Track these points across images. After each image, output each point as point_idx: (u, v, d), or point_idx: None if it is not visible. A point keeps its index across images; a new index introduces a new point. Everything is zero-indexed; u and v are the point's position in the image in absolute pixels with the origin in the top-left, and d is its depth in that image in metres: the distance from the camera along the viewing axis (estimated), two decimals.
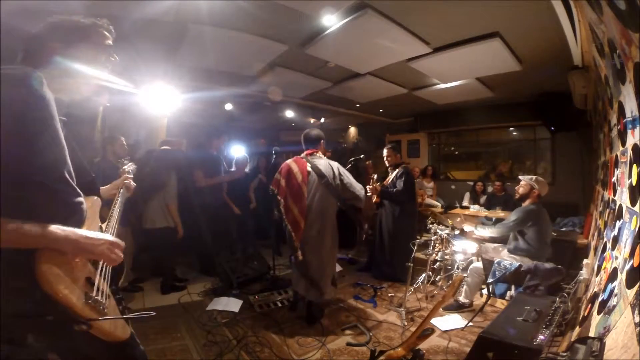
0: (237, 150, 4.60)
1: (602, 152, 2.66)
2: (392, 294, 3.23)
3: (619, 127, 1.75)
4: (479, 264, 2.95)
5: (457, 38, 3.15)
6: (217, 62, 3.70)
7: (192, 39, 3.03)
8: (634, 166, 1.41)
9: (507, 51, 3.26)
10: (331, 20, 2.77)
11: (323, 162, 2.73)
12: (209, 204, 3.68)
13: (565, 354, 1.43)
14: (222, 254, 3.64)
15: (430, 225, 3.52)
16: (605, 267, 1.75)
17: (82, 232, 0.85)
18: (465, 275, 2.98)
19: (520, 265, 2.66)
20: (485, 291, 2.89)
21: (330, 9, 2.59)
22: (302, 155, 2.82)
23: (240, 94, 4.91)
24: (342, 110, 6.37)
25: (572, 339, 1.67)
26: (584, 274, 2.41)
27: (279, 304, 3.03)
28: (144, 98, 4.13)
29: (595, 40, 2.00)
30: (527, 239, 2.91)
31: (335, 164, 2.75)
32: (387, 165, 3.98)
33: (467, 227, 3.29)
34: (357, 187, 2.71)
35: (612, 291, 1.43)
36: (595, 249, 2.47)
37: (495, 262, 2.79)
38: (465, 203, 5.70)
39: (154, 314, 0.97)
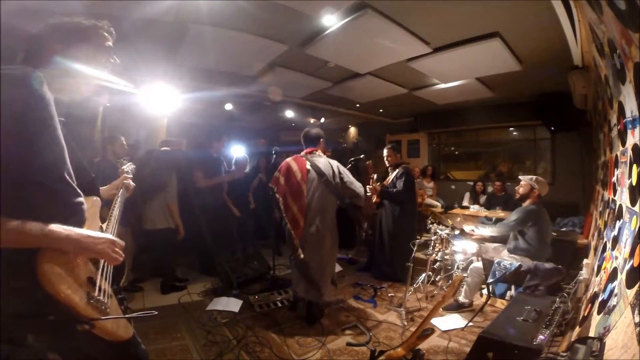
0: (237, 151, 4.60)
1: (602, 152, 2.66)
2: (392, 294, 3.23)
3: (619, 127, 1.75)
4: (479, 264, 2.95)
5: (457, 38, 3.15)
6: (217, 62, 3.70)
7: (192, 39, 3.03)
8: (634, 166, 1.41)
9: (507, 51, 3.26)
10: (331, 20, 2.77)
11: (323, 161, 2.73)
12: (209, 204, 3.67)
13: (565, 354, 1.43)
14: (222, 254, 3.64)
15: (430, 225, 3.52)
16: (605, 267, 1.75)
17: (83, 231, 0.85)
18: (465, 275, 2.98)
19: (520, 265, 2.66)
20: (485, 291, 2.89)
21: (330, 9, 2.59)
22: (302, 153, 2.82)
23: (240, 94, 4.92)
24: (342, 110, 6.37)
25: (572, 339, 1.67)
26: (584, 274, 2.41)
27: (279, 304, 3.03)
28: (144, 98, 4.13)
29: (595, 40, 2.00)
30: (527, 238, 2.91)
31: (335, 163, 2.75)
32: (387, 165, 3.98)
33: (467, 227, 3.29)
34: (357, 185, 2.71)
35: (612, 291, 1.43)
36: (595, 249, 2.47)
37: (495, 262, 2.79)
38: (465, 203, 5.70)
39: (156, 313, 0.97)
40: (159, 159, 3.46)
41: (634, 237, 1.30)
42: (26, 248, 0.74)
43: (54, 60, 0.91)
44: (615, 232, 1.69)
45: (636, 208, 1.33)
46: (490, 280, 2.77)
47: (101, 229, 1.03)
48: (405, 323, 2.67)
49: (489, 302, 2.84)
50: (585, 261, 2.57)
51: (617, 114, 1.76)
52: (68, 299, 0.75)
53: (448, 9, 2.58)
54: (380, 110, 6.71)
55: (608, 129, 2.23)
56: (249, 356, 2.23)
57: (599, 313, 1.50)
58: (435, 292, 3.30)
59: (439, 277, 3.41)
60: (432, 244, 3.42)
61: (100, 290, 0.87)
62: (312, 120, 6.67)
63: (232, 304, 2.97)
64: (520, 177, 3.15)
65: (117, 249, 0.90)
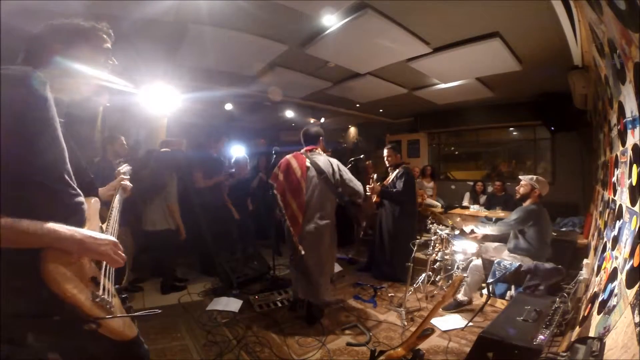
0: (237, 151, 4.61)
1: (602, 152, 2.67)
2: (392, 294, 3.23)
3: (619, 127, 1.75)
4: (478, 261, 2.96)
5: (457, 38, 3.15)
6: (217, 62, 3.70)
7: (192, 39, 3.03)
8: (634, 166, 1.41)
9: (507, 51, 3.26)
10: (331, 20, 2.77)
11: (322, 159, 2.74)
12: (209, 204, 3.68)
13: (565, 354, 1.43)
14: (222, 254, 3.64)
15: (430, 225, 3.52)
16: (605, 267, 1.75)
17: (87, 232, 0.85)
18: (465, 275, 2.98)
19: (520, 265, 2.66)
20: (485, 291, 2.89)
21: (330, 9, 2.59)
22: (302, 151, 2.83)
23: (240, 94, 4.91)
24: (342, 110, 6.37)
25: (572, 339, 1.67)
26: (584, 274, 2.41)
27: (279, 304, 3.03)
28: (144, 98, 4.13)
29: (595, 40, 2.00)
30: (528, 238, 2.91)
31: (335, 161, 2.75)
32: (387, 165, 3.98)
33: (467, 228, 3.29)
34: (357, 183, 2.72)
35: (612, 291, 1.43)
36: (595, 249, 2.47)
37: (495, 262, 2.79)
38: (465, 203, 5.70)
39: (160, 311, 0.97)
40: (159, 159, 3.46)
41: (634, 237, 1.30)
42: (28, 248, 0.74)
43: (54, 60, 0.91)
44: (615, 232, 1.69)
45: (636, 208, 1.33)
46: (490, 280, 2.77)
47: (101, 230, 1.03)
48: (405, 323, 2.67)
49: (489, 302, 2.84)
50: (585, 261, 2.57)
51: (617, 114, 1.76)
52: (74, 298, 0.76)
53: (448, 9, 2.58)
54: (380, 110, 6.71)
55: (608, 129, 2.23)
56: (249, 356, 2.23)
57: (599, 313, 1.50)
58: (435, 292, 3.30)
59: (439, 277, 3.41)
60: (432, 244, 3.42)
61: (104, 289, 0.88)
62: (312, 120, 6.66)
63: (232, 304, 2.97)
64: (520, 177, 3.15)
65: (119, 252, 0.91)
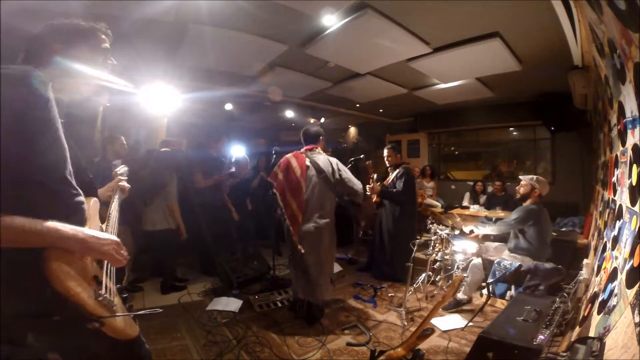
0: (237, 151, 4.61)
1: (602, 152, 2.67)
2: (392, 294, 3.23)
3: (619, 127, 1.75)
4: (478, 260, 2.96)
5: (457, 38, 3.15)
6: (217, 62, 3.70)
7: (192, 39, 3.03)
8: (634, 166, 1.41)
9: (507, 51, 3.26)
10: (331, 20, 2.76)
11: (322, 158, 2.74)
12: (209, 204, 3.68)
13: (565, 354, 1.43)
14: (222, 254, 3.64)
15: (430, 225, 3.52)
16: (605, 267, 1.75)
17: (90, 231, 0.85)
18: (465, 275, 2.98)
19: (520, 265, 2.66)
20: (485, 291, 2.89)
21: (330, 9, 2.59)
22: (302, 150, 2.83)
23: (240, 94, 4.91)
24: (342, 110, 6.37)
25: (572, 339, 1.67)
26: (584, 274, 2.41)
27: (279, 304, 3.03)
28: (144, 98, 4.13)
29: (595, 40, 2.00)
30: (528, 237, 2.92)
31: (335, 160, 2.76)
32: (388, 165, 3.98)
33: (467, 228, 3.29)
34: (356, 183, 2.71)
35: (612, 291, 1.43)
36: (595, 249, 2.47)
37: (495, 262, 2.79)
38: (465, 203, 5.70)
39: (161, 310, 0.98)
40: (159, 159, 3.46)
41: (634, 237, 1.30)
42: (30, 247, 0.74)
43: (54, 60, 0.91)
44: (615, 232, 1.69)
45: (636, 208, 1.33)
46: (490, 280, 2.77)
47: (101, 230, 1.03)
48: (405, 323, 2.67)
49: (489, 302, 2.84)
50: (585, 261, 2.57)
51: (617, 114, 1.76)
52: (77, 296, 0.76)
53: (448, 9, 2.58)
54: (380, 110, 6.71)
55: (608, 129, 2.23)
56: (249, 356, 2.23)
57: (599, 313, 1.50)
58: (435, 292, 3.30)
59: (439, 277, 3.41)
60: (432, 244, 3.42)
61: (106, 288, 0.88)
62: (312, 120, 6.67)
63: (232, 304, 2.97)
64: (520, 177, 3.15)
65: (122, 252, 0.91)
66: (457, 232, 3.40)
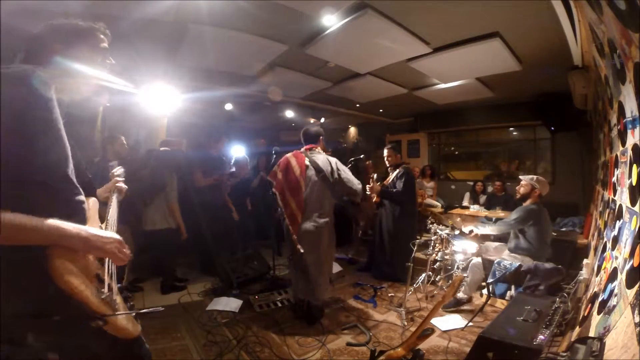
0: (237, 151, 4.61)
1: (602, 152, 2.67)
2: (392, 294, 3.23)
3: (619, 127, 1.75)
4: (478, 259, 2.96)
5: (457, 38, 3.15)
6: (217, 62, 3.70)
7: (192, 39, 3.03)
8: (634, 166, 1.41)
9: (507, 51, 3.26)
10: (331, 20, 2.76)
11: (321, 157, 2.74)
12: (209, 203, 3.68)
13: (565, 354, 1.43)
14: (223, 254, 3.64)
15: (430, 225, 3.52)
16: (605, 267, 1.75)
17: (93, 229, 0.86)
18: (465, 275, 2.98)
19: (520, 265, 2.66)
20: (485, 291, 2.89)
21: (330, 9, 2.59)
22: (302, 150, 2.83)
23: (240, 94, 4.91)
24: (342, 110, 6.37)
25: (572, 339, 1.67)
26: (584, 274, 2.41)
27: (279, 304, 3.03)
28: (144, 98, 4.13)
29: (595, 40, 2.00)
30: (528, 237, 2.92)
31: (334, 160, 2.76)
32: (388, 165, 3.98)
33: (466, 228, 3.29)
34: (355, 182, 2.71)
35: (612, 291, 1.43)
36: (595, 249, 2.47)
37: (495, 262, 2.79)
38: (465, 203, 5.70)
39: (162, 309, 0.98)
40: (159, 158, 3.46)
41: (634, 237, 1.30)
42: (32, 246, 0.74)
43: (54, 60, 0.91)
44: (615, 232, 1.69)
45: (636, 208, 1.33)
46: (490, 280, 2.77)
47: (100, 229, 1.03)
48: (405, 323, 2.67)
49: (489, 302, 2.84)
50: (585, 261, 2.57)
51: (617, 114, 1.76)
52: (81, 294, 0.76)
53: (448, 9, 2.58)
54: (380, 110, 6.71)
55: (608, 129, 2.23)
56: (249, 356, 2.23)
57: (599, 313, 1.50)
58: (435, 292, 3.30)
59: (439, 277, 3.41)
60: (432, 244, 3.42)
61: (108, 287, 0.88)
62: (312, 120, 6.66)
63: (232, 304, 2.97)
64: (520, 177, 3.15)
65: (124, 250, 0.91)
66: (457, 232, 3.40)
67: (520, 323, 1.71)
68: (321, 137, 2.90)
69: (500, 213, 4.47)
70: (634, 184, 1.41)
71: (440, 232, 3.37)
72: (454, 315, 2.81)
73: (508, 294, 2.94)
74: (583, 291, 2.29)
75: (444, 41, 3.23)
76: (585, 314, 1.78)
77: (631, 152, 1.47)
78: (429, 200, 5.69)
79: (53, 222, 0.75)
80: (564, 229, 4.32)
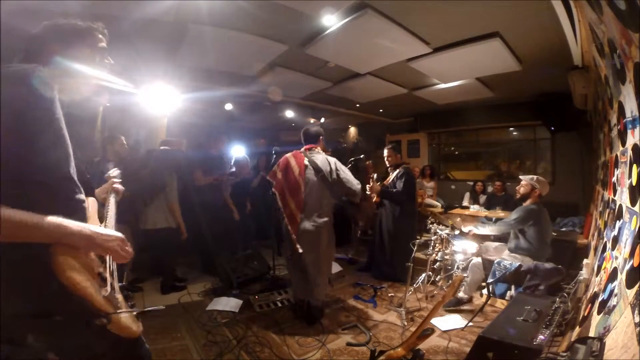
0: (237, 151, 4.60)
1: (602, 152, 2.66)
2: (392, 294, 3.23)
3: (619, 127, 1.75)
4: (478, 259, 2.96)
5: (457, 38, 3.15)
6: (217, 62, 3.70)
7: (192, 39, 3.03)
8: (634, 166, 1.41)
9: (507, 51, 3.26)
10: (331, 20, 2.76)
11: (321, 157, 2.74)
12: (210, 203, 3.68)
13: (565, 354, 1.43)
14: (223, 254, 3.64)
15: (430, 225, 3.52)
16: (605, 267, 1.75)
17: (95, 227, 0.86)
18: (465, 275, 2.98)
19: (520, 265, 2.66)
20: (485, 291, 2.89)
21: (330, 9, 2.59)
22: (301, 150, 2.83)
23: (240, 94, 4.91)
24: (342, 110, 6.37)
25: (572, 339, 1.67)
26: (584, 274, 2.41)
27: (279, 304, 3.03)
28: (144, 98, 4.13)
29: (595, 40, 2.00)
30: (528, 238, 2.91)
31: (333, 159, 2.76)
32: (388, 165, 3.98)
33: (466, 228, 3.29)
34: (354, 183, 2.71)
35: (612, 291, 1.43)
36: (595, 249, 2.47)
37: (495, 262, 2.79)
38: (465, 203, 5.70)
39: (164, 307, 0.99)
40: (159, 158, 3.46)
41: (634, 237, 1.30)
42: (31, 246, 0.74)
43: (53, 60, 0.91)
44: (615, 232, 1.69)
45: (636, 208, 1.33)
46: (490, 280, 2.77)
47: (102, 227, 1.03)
48: (405, 323, 2.67)
49: (489, 302, 2.84)
50: (585, 261, 2.57)
51: (617, 114, 1.76)
52: (85, 290, 0.76)
53: (448, 9, 2.58)
54: (380, 110, 6.71)
55: (608, 129, 2.23)
56: (249, 356, 2.23)
57: (599, 313, 1.50)
58: (435, 292, 3.30)
59: (439, 277, 3.41)
60: (432, 244, 3.42)
61: (110, 285, 0.89)
62: (312, 120, 6.67)
63: (232, 304, 2.97)
64: (520, 177, 3.15)
65: (126, 248, 0.92)
66: (457, 232, 3.40)
67: (520, 323, 1.71)
68: (321, 137, 2.90)
69: (500, 213, 4.47)
70: (634, 184, 1.41)
71: (440, 232, 3.37)
72: (454, 315, 2.81)
73: (508, 294, 2.94)
74: (583, 291, 2.29)
75: (444, 41, 3.22)
76: (585, 314, 1.78)
77: (631, 152, 1.47)
78: (429, 200, 5.69)
79: (56, 219, 0.75)
80: (564, 229, 4.32)
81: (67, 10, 2.07)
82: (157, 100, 4.26)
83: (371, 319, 2.80)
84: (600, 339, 1.27)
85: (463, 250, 3.31)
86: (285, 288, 3.28)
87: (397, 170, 3.85)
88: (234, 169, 4.21)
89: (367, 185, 3.75)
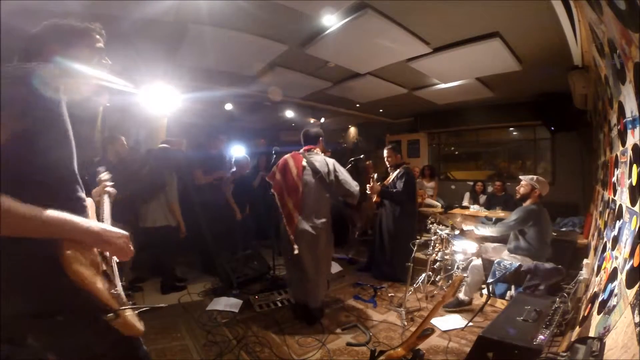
0: (237, 151, 4.61)
1: (602, 152, 2.66)
2: (392, 294, 3.23)
3: (619, 127, 1.75)
4: (478, 261, 2.96)
5: (457, 38, 3.15)
6: (217, 62, 3.70)
7: (192, 39, 3.03)
8: (634, 166, 1.41)
9: (507, 51, 3.26)
10: (331, 20, 2.76)
11: (319, 159, 2.74)
12: (210, 203, 3.68)
13: (565, 354, 1.43)
14: (223, 253, 3.64)
15: (430, 225, 3.52)
16: (605, 267, 1.75)
17: (102, 225, 0.87)
18: (465, 275, 2.98)
19: (520, 265, 2.66)
20: (485, 291, 2.89)
21: (330, 9, 2.59)
22: (300, 151, 2.83)
23: (240, 94, 4.91)
24: (342, 110, 6.37)
25: (572, 339, 1.67)
26: (584, 274, 2.41)
27: (279, 304, 3.03)
28: (144, 98, 4.13)
29: (595, 40, 2.00)
30: (528, 238, 2.91)
31: (332, 161, 2.76)
32: (388, 165, 3.98)
33: (467, 227, 3.29)
34: (352, 184, 2.71)
35: (612, 291, 1.43)
36: (595, 249, 2.47)
37: (495, 262, 2.79)
38: (465, 203, 5.69)
39: (165, 305, 0.99)
40: (158, 156, 3.46)
41: (634, 237, 1.30)
42: (39, 243, 0.74)
43: (53, 60, 0.91)
44: (615, 232, 1.69)
45: (636, 208, 1.33)
46: (490, 280, 2.77)
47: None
48: (405, 323, 2.67)
49: (489, 302, 2.84)
50: (585, 261, 2.57)
51: (617, 114, 1.76)
52: (93, 286, 0.77)
53: (448, 9, 2.58)
54: (380, 110, 6.71)
55: (608, 129, 2.23)
56: (249, 356, 2.23)
57: (599, 313, 1.50)
58: (435, 292, 3.30)
59: (439, 277, 3.41)
60: (432, 244, 3.42)
61: (114, 283, 0.89)
62: (312, 120, 6.67)
63: (232, 304, 2.97)
64: (520, 177, 3.15)
65: (130, 245, 0.93)
66: (457, 232, 3.40)
67: (520, 323, 1.71)
68: (320, 138, 2.90)
69: (500, 213, 4.47)
70: (634, 184, 1.41)
71: (440, 232, 3.37)
72: (454, 315, 2.81)
73: (508, 294, 2.93)
74: (583, 291, 2.29)
75: (444, 41, 3.23)
76: (585, 314, 1.78)
77: (631, 152, 1.47)
78: (429, 200, 5.69)
79: (64, 215, 0.76)
80: (564, 229, 4.31)
81: (67, 10, 2.07)
82: (157, 100, 4.26)
83: (371, 319, 2.80)
84: (600, 339, 1.27)
85: (463, 250, 3.31)
86: (285, 288, 3.28)
87: (397, 171, 3.85)
88: (234, 169, 4.21)
89: (368, 186, 3.75)
